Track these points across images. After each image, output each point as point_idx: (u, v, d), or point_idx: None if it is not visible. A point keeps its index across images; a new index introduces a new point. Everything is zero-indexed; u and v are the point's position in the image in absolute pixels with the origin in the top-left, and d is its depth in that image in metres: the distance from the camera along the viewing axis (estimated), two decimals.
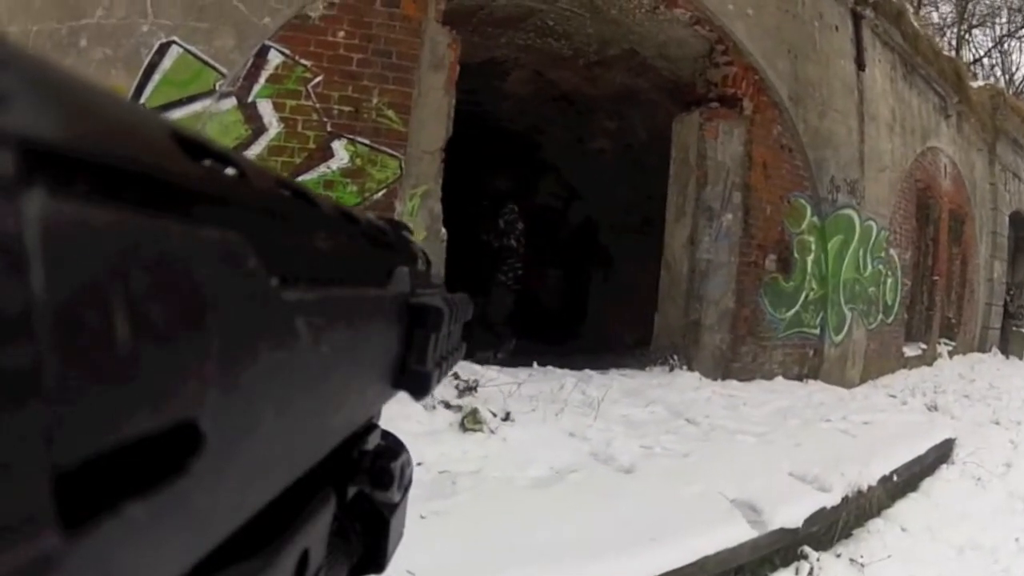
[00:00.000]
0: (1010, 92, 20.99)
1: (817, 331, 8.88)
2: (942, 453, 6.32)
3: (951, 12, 26.45)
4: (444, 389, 6.06)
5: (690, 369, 7.52)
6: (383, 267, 0.37)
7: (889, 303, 10.68)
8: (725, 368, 7.74)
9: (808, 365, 8.76)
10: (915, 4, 12.62)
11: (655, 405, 6.74)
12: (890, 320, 10.72)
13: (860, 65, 9.34)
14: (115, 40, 5.15)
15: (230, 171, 0.22)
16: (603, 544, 3.58)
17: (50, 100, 0.14)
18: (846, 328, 9.38)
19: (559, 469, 5.12)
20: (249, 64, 5.41)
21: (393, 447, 0.44)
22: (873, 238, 9.90)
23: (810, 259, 8.66)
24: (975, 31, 27.68)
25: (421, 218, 5.91)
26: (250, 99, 5.45)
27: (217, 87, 5.33)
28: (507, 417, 5.88)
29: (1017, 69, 33.70)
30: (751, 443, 5.98)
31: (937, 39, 15.33)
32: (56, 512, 0.14)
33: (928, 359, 12.10)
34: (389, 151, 5.74)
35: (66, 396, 0.14)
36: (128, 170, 0.16)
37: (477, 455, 5.22)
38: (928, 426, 6.77)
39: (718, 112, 7.81)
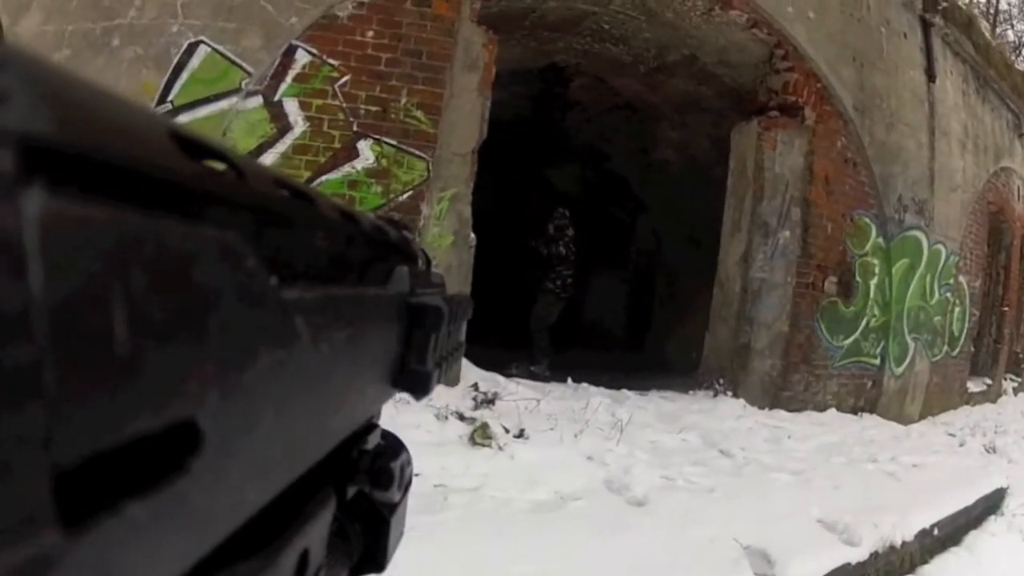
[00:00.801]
0: None
1: (877, 361, 8.21)
2: (992, 503, 5.69)
3: None
4: (460, 400, 5.87)
5: (735, 395, 7.04)
6: (382, 266, 0.37)
7: (955, 334, 9.87)
8: (774, 396, 7.21)
9: (865, 398, 8.10)
10: (991, 22, 11.71)
11: (689, 432, 6.30)
12: (955, 353, 9.91)
13: (931, 76, 8.64)
14: (146, 40, 5.29)
15: (229, 170, 0.21)
16: None
17: (49, 99, 0.14)
18: (908, 359, 8.67)
19: (565, 495, 4.80)
20: (276, 63, 5.45)
21: (393, 447, 0.44)
22: (942, 263, 9.13)
23: (873, 283, 8.02)
24: None
25: (449, 222, 5.76)
26: (276, 98, 5.47)
27: (243, 86, 5.39)
28: (521, 434, 5.61)
29: None
30: (785, 482, 5.49)
31: (1012, 56, 14.36)
32: (56, 511, 0.14)
33: (992, 396, 11.22)
34: (417, 152, 5.62)
35: (65, 396, 0.14)
36: (127, 169, 0.16)
37: (479, 472, 4.97)
38: (981, 472, 6.12)
39: (777, 121, 7.31)
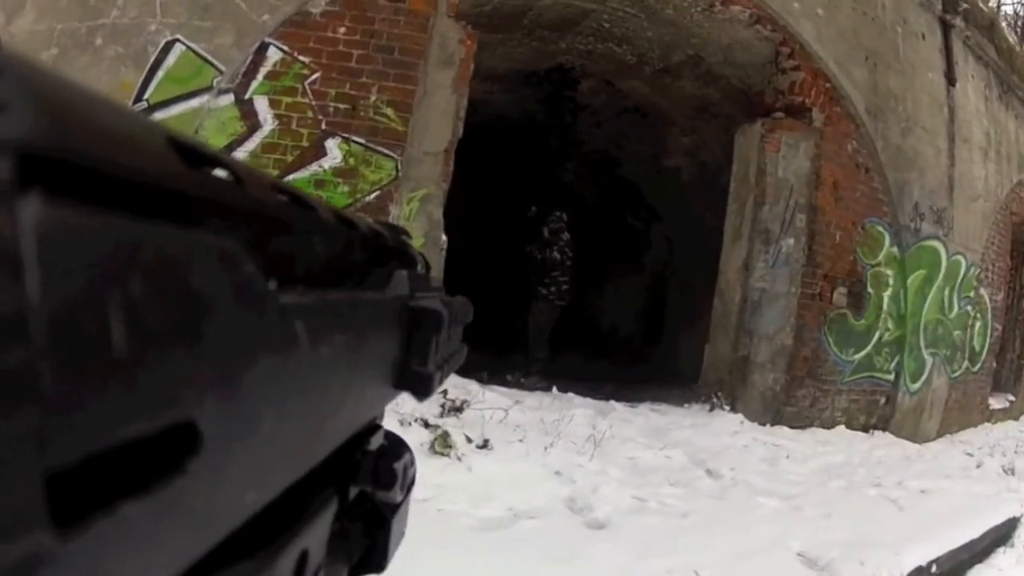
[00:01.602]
0: None
1: (891, 377, 7.68)
2: (1002, 534, 5.20)
3: None
4: (428, 407, 5.56)
5: (733, 410, 6.64)
6: (382, 271, 0.38)
7: (976, 349, 9.24)
8: (776, 412, 6.79)
9: (877, 415, 7.57)
10: (1019, 35, 11.15)
11: (675, 449, 5.93)
12: (976, 369, 9.27)
13: (950, 79, 8.11)
14: (126, 39, 5.36)
15: (228, 177, 0.22)
16: None
17: (47, 107, 0.14)
18: (925, 375, 8.11)
19: (519, 512, 4.53)
20: (248, 61, 5.42)
21: (396, 447, 0.44)
22: (961, 275, 8.55)
23: (887, 295, 7.52)
24: None
25: (419, 223, 5.56)
26: (247, 96, 5.44)
27: (215, 84, 5.39)
28: (485, 444, 5.35)
29: None
30: (772, 508, 5.10)
31: None
32: (48, 511, 0.14)
33: (1015, 413, 10.52)
34: (385, 151, 5.47)
35: (61, 400, 0.14)
36: (125, 176, 0.16)
37: (432, 483, 4.67)
38: (994, 499, 5.66)
39: (782, 123, 6.91)
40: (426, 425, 5.34)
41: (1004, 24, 9.53)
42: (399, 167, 5.46)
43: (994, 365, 9.85)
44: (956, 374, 8.67)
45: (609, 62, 8.20)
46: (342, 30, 5.51)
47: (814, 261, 6.95)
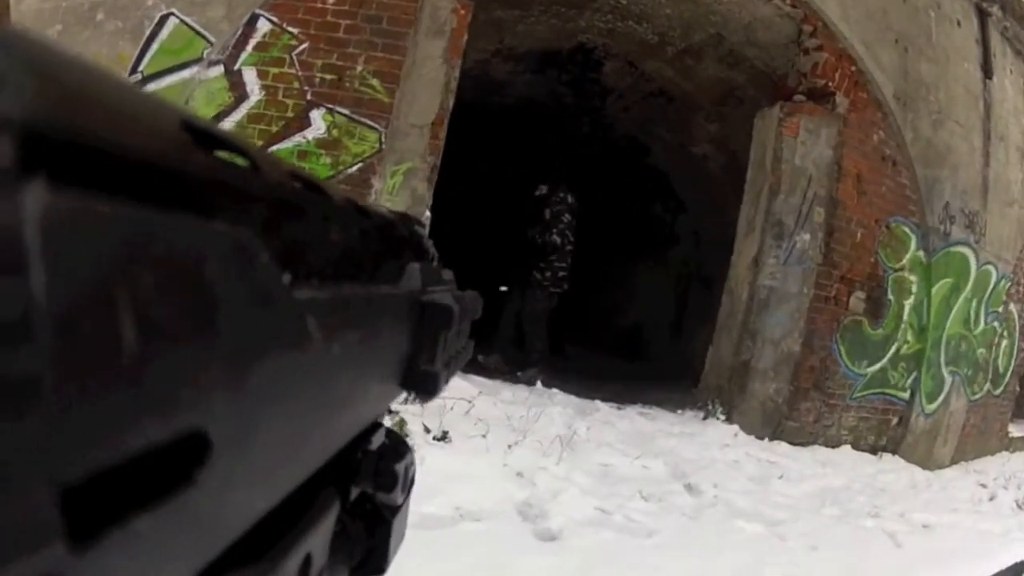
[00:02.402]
0: None
1: (906, 395, 7.02)
2: None
3: None
4: None
5: (728, 420, 6.14)
6: (395, 263, 0.37)
7: (1000, 371, 8.39)
8: (777, 426, 6.23)
9: (888, 436, 6.95)
10: None
11: (656, 459, 5.46)
12: (998, 392, 8.44)
13: (987, 71, 7.42)
14: (125, 13, 5.46)
15: (242, 163, 0.21)
16: None
17: (52, 85, 0.14)
18: (943, 396, 7.40)
19: (466, 513, 4.17)
20: (239, 33, 5.43)
21: (397, 448, 0.43)
22: (991, 287, 7.76)
23: (908, 303, 6.87)
24: None
25: (402, 198, 5.39)
26: (236, 67, 5.45)
27: (205, 55, 5.43)
28: (443, 437, 5.07)
29: None
30: (751, 533, 4.60)
31: None
32: (63, 525, 0.14)
33: None
34: (369, 123, 5.33)
35: (70, 405, 0.13)
36: (135, 160, 0.15)
37: None
38: (1004, 539, 5.03)
39: (802, 107, 6.33)
40: (387, 412, 4.77)
41: None
42: (383, 139, 5.32)
43: (1017, 389, 9.02)
44: (976, 396, 7.95)
45: (631, 42, 7.84)
46: (331, 1, 5.41)
47: (831, 260, 6.40)
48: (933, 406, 7.27)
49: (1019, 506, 5.91)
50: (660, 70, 8.22)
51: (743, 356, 6.16)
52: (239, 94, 5.43)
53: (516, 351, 7.41)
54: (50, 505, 0.13)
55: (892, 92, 6.58)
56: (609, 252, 11.65)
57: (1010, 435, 8.97)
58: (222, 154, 0.19)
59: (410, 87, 5.42)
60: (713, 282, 9.69)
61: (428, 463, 4.57)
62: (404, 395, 0.40)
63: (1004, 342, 8.29)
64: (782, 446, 6.07)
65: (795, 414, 6.32)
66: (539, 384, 6.35)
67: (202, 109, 5.25)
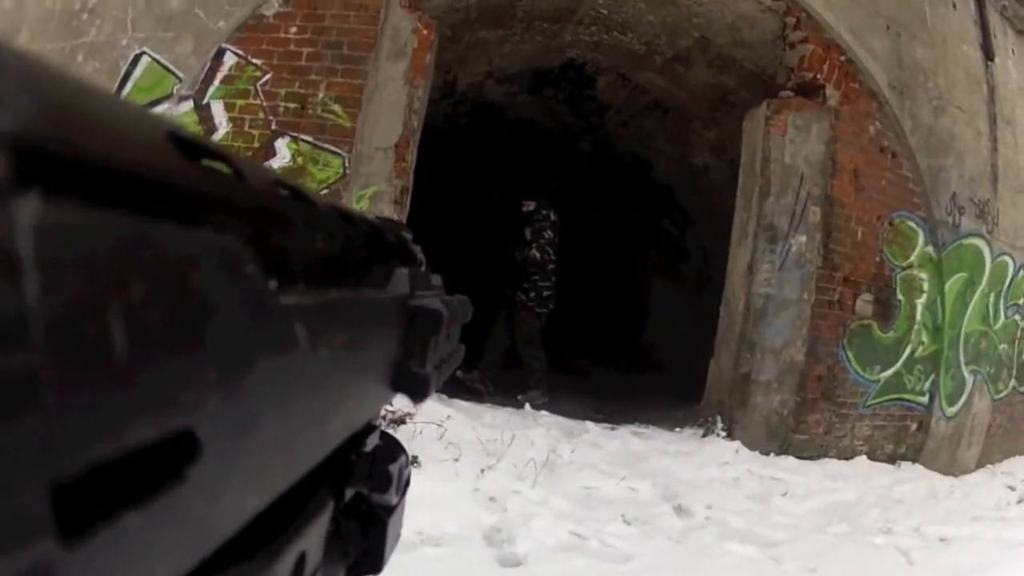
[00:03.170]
0: None
1: (924, 399, 6.53)
2: None
3: None
4: None
5: (730, 437, 5.78)
6: (382, 269, 0.38)
7: None
8: (784, 440, 5.86)
9: (907, 444, 6.46)
10: None
11: (644, 480, 5.20)
12: None
13: (988, 54, 6.98)
14: (103, 54, 5.68)
15: (229, 173, 0.21)
16: None
17: (46, 101, 0.14)
18: (964, 397, 6.87)
19: (428, 538, 4.01)
20: (207, 67, 5.56)
21: (391, 449, 0.44)
22: (1009, 279, 7.18)
23: (920, 302, 6.41)
24: None
25: None
26: (205, 100, 5.55)
27: (175, 91, 5.56)
28: (413, 460, 4.70)
29: None
30: (742, 557, 4.28)
31: None
32: (55, 521, 0.14)
33: None
34: (333, 149, 5.37)
35: (63, 406, 0.14)
36: (125, 172, 0.16)
37: None
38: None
39: (789, 102, 6.02)
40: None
41: None
42: (347, 164, 5.33)
43: None
44: (1001, 395, 7.35)
45: (619, 53, 7.69)
46: (293, 30, 5.50)
47: (831, 262, 6.02)
48: (954, 408, 6.76)
49: None
50: (652, 80, 8.02)
51: (742, 369, 5.82)
52: (208, 127, 5.49)
53: (506, 372, 7.23)
54: (42, 501, 0.13)
55: (886, 81, 6.22)
56: (624, 269, 11.50)
57: None
58: (209, 164, 0.19)
59: (372, 110, 5.39)
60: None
61: None
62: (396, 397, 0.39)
63: None
64: (789, 461, 5.70)
65: (803, 427, 5.93)
66: (527, 407, 6.15)
67: None
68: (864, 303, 6.14)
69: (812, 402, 5.96)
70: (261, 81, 5.49)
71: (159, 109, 5.40)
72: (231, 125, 5.51)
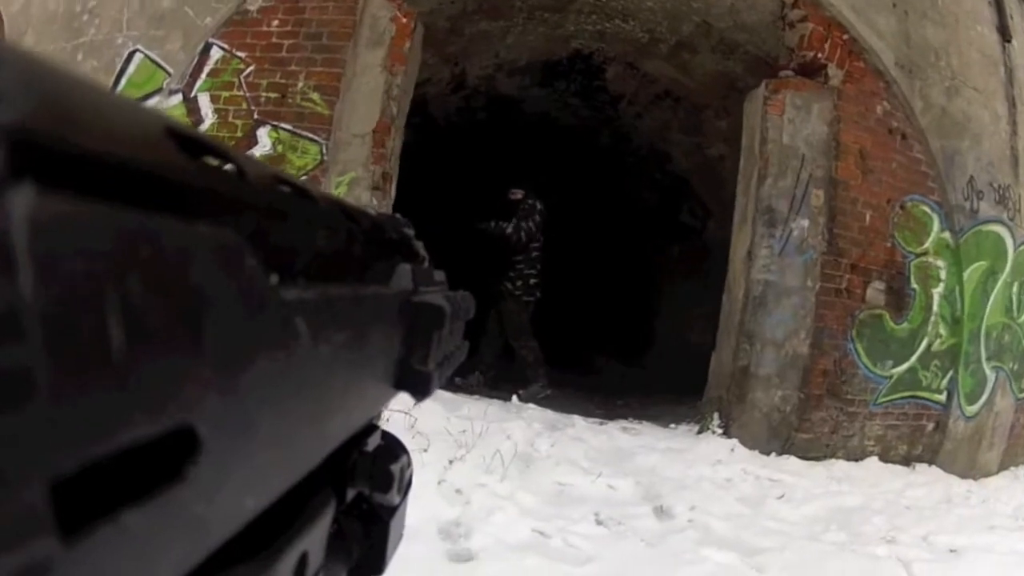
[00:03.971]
0: None
1: (942, 397, 6.05)
2: None
3: None
4: None
5: (726, 434, 5.45)
6: (384, 265, 0.37)
7: None
8: (787, 439, 5.51)
9: (923, 445, 5.98)
10: None
11: (626, 478, 4.95)
12: None
13: (1004, 35, 6.55)
14: (100, 53, 5.93)
15: (228, 167, 0.21)
16: None
17: (41, 93, 0.14)
18: (986, 396, 6.33)
19: None
20: (195, 61, 5.73)
21: (393, 449, 0.44)
22: None
23: (937, 292, 5.96)
24: None
25: None
26: (192, 94, 5.72)
27: (165, 86, 5.74)
28: None
29: None
30: (719, 564, 4.01)
31: None
32: (53, 518, 0.14)
33: None
34: (311, 136, 5.46)
35: (60, 401, 0.14)
36: (122, 166, 0.16)
37: None
38: None
39: (788, 82, 5.71)
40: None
41: None
42: (324, 151, 5.41)
43: None
44: None
45: (623, 42, 7.55)
46: (275, 23, 5.63)
47: (837, 248, 5.66)
48: (975, 407, 6.25)
49: None
50: (660, 69, 7.83)
51: (741, 361, 5.48)
52: (196, 119, 5.61)
53: (504, 368, 7.02)
54: (40, 497, 0.13)
55: (893, 60, 5.84)
56: (643, 263, 11.29)
57: None
58: (209, 160, 0.19)
59: (350, 98, 5.44)
60: None
61: None
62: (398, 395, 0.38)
63: None
64: (791, 462, 5.33)
65: (807, 425, 5.56)
66: (515, 399, 5.93)
67: None
68: (875, 291, 5.76)
69: (817, 398, 5.59)
70: (244, 73, 5.61)
71: (150, 103, 5.58)
72: (216, 116, 5.64)
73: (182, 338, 0.17)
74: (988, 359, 6.29)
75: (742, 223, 5.83)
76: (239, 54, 5.64)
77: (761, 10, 6.06)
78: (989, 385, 6.34)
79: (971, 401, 6.20)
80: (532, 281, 6.87)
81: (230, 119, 5.61)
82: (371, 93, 5.42)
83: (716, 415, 5.53)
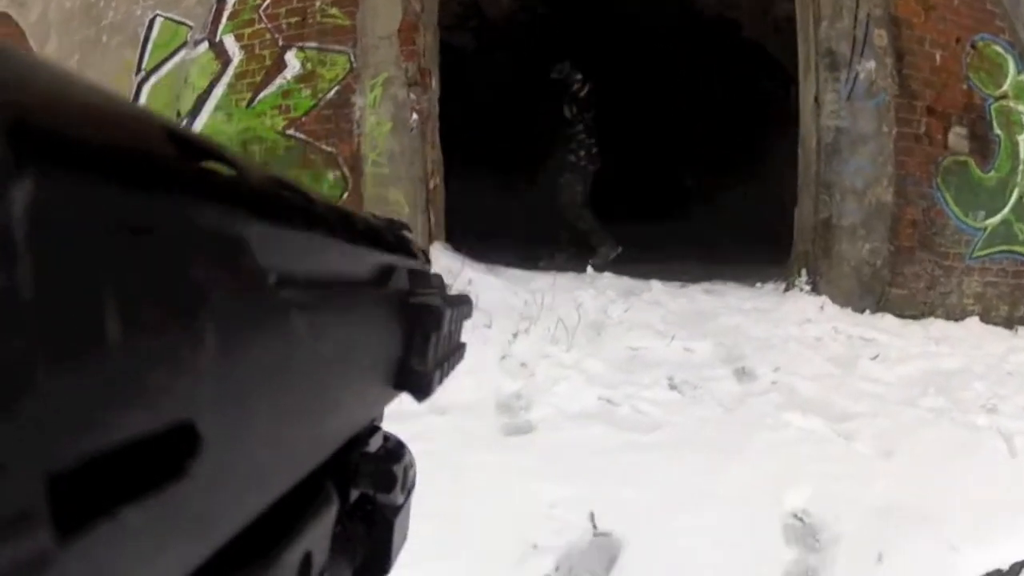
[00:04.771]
0: None
1: None
2: None
3: None
4: None
5: (815, 291, 5.08)
6: (382, 267, 0.37)
7: None
8: (880, 295, 5.06)
9: None
10: None
11: (705, 340, 4.57)
12: None
13: None
14: (122, 28, 6.24)
15: (226, 169, 0.21)
16: None
17: (45, 94, 0.14)
18: None
19: (434, 408, 3.44)
20: (213, 9, 5.91)
21: (396, 449, 0.44)
22: None
23: (1022, 139, 5.46)
24: None
25: (385, 108, 5.50)
26: (217, 38, 5.91)
27: (189, 38, 5.99)
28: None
29: None
30: (802, 431, 3.56)
31: None
32: (50, 513, 0.14)
33: None
34: (336, 48, 5.56)
35: (58, 394, 0.14)
36: (123, 167, 0.16)
37: None
38: None
39: None
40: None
41: None
42: (352, 59, 5.50)
43: None
44: None
45: None
46: None
47: (909, 90, 5.19)
48: None
49: None
50: None
51: (822, 214, 5.10)
52: (224, 60, 5.86)
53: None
54: (36, 492, 0.13)
55: None
56: (735, 136, 10.75)
57: None
58: (207, 159, 0.19)
59: (370, 4, 5.46)
60: None
61: None
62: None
63: None
64: (886, 320, 4.88)
65: (900, 280, 5.10)
66: (590, 270, 5.68)
67: (197, 82, 5.93)
68: (957, 137, 5.28)
69: (908, 251, 5.13)
70: (263, 7, 5.74)
71: (178, 58, 6.04)
72: (243, 52, 5.80)
73: (181, 334, 0.16)
74: None
75: (806, 70, 5.45)
76: None
77: None
78: None
79: None
80: (593, 150, 6.88)
81: (256, 52, 5.75)
82: None
83: (803, 272, 5.17)
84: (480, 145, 9.36)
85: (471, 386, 3.79)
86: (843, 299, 4.94)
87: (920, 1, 5.23)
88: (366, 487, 0.40)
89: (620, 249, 6.52)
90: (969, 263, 5.30)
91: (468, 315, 0.51)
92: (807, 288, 5.05)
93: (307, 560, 0.28)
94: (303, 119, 5.54)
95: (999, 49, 5.45)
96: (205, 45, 5.91)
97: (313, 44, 5.53)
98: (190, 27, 5.95)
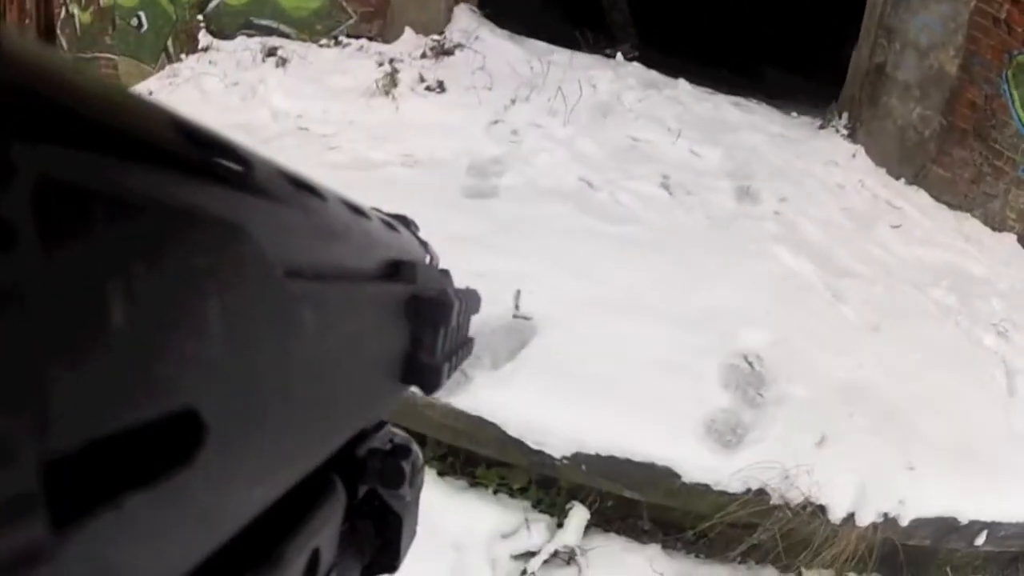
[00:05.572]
0: None
1: None
2: None
3: None
4: (413, 46, 4.82)
5: (851, 138, 4.77)
6: (390, 260, 0.37)
7: None
8: (921, 168, 4.79)
9: None
10: None
11: (718, 149, 4.17)
12: None
13: None
14: None
15: (234, 161, 0.21)
16: None
17: (53, 85, 0.14)
18: None
19: (408, 161, 3.58)
20: None
21: (403, 445, 0.44)
22: None
23: None
24: None
25: None
26: None
27: None
28: (439, 87, 4.45)
29: None
30: (787, 269, 3.29)
31: None
32: (46, 501, 0.13)
33: None
34: None
35: (58, 377, 0.13)
36: (128, 156, 0.16)
37: (339, 119, 4.03)
38: None
39: None
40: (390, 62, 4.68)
41: None
42: None
43: None
44: None
45: None
46: None
47: None
48: None
49: None
50: None
51: (877, 58, 4.71)
52: None
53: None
54: (31, 480, 0.13)
55: None
56: None
57: None
58: (215, 152, 0.19)
59: None
60: None
61: (402, 111, 4.09)
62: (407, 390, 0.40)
63: None
64: (920, 196, 4.57)
65: (946, 160, 4.75)
66: (619, 57, 5.22)
67: None
68: None
69: (962, 132, 4.77)
70: None
71: None
72: None
73: (184, 321, 0.16)
74: None
75: None
76: None
77: None
78: None
79: None
80: None
81: None
82: None
83: (845, 115, 4.84)
84: None
85: (452, 146, 3.66)
86: (880, 157, 4.64)
87: None
88: (373, 483, 0.40)
89: (638, 53, 5.90)
90: (1021, 175, 4.86)
91: (477, 309, 0.50)
92: (844, 132, 4.73)
93: (315, 557, 0.28)
94: None
95: None
96: None
97: None
98: None
